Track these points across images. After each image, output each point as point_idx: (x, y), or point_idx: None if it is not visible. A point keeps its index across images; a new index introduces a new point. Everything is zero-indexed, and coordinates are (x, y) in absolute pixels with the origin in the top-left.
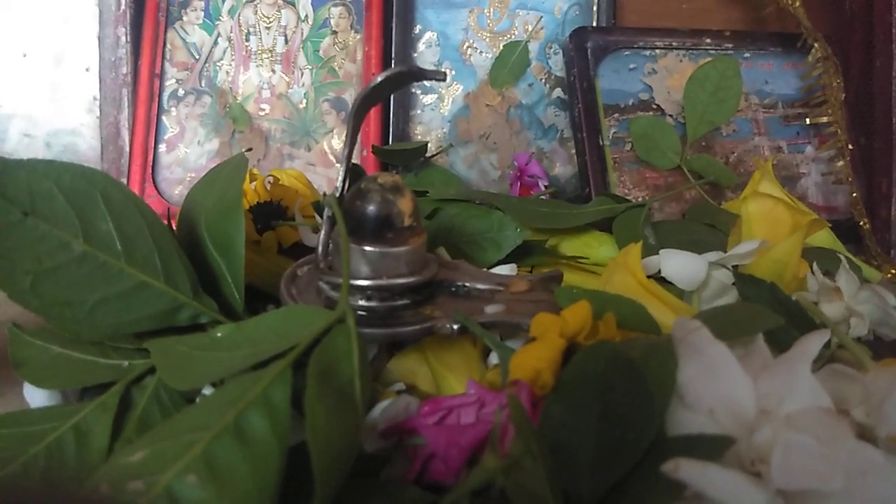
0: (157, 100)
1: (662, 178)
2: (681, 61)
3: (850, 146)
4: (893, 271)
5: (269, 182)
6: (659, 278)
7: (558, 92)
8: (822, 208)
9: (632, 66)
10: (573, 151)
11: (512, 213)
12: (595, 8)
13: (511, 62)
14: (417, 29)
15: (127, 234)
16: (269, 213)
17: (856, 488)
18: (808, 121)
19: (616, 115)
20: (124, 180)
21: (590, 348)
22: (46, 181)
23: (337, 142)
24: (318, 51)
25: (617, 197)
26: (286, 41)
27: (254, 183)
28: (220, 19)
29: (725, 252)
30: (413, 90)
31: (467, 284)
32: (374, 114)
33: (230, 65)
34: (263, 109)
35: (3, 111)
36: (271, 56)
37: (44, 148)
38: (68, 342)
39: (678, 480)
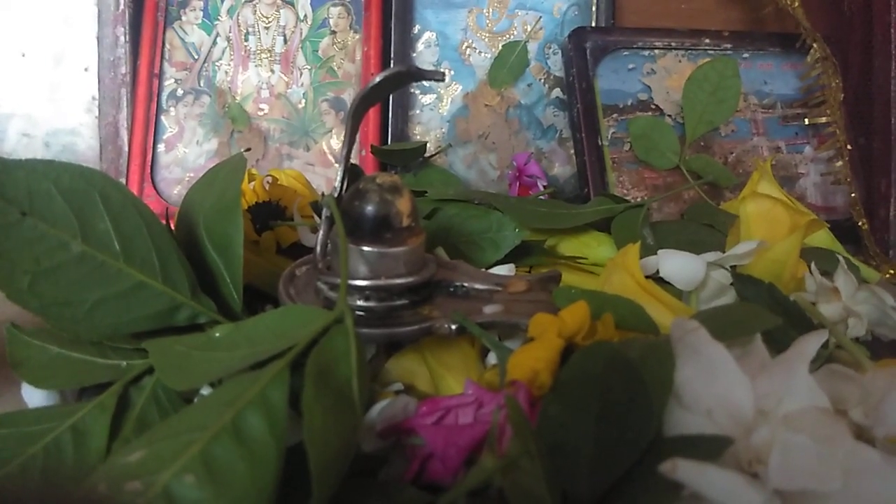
0: (155, 99)
1: (661, 179)
2: (680, 61)
3: (849, 146)
4: (892, 271)
5: (268, 182)
6: (657, 278)
7: (557, 92)
8: (821, 208)
9: (630, 66)
10: (572, 151)
11: (511, 214)
12: (594, 8)
13: (510, 62)
14: (416, 29)
15: (125, 234)
16: (268, 213)
17: (853, 489)
18: (806, 121)
19: (615, 115)
20: (123, 180)
21: (588, 348)
22: (45, 181)
23: (336, 142)
24: (317, 51)
25: (615, 197)
26: (285, 41)
27: (252, 183)
28: (218, 19)
29: (724, 252)
30: (412, 90)
31: (466, 284)
32: (372, 114)
33: (229, 65)
34: (262, 109)
35: (1, 111)
36: (270, 56)
37: (42, 148)
38: (67, 342)
39: (676, 481)
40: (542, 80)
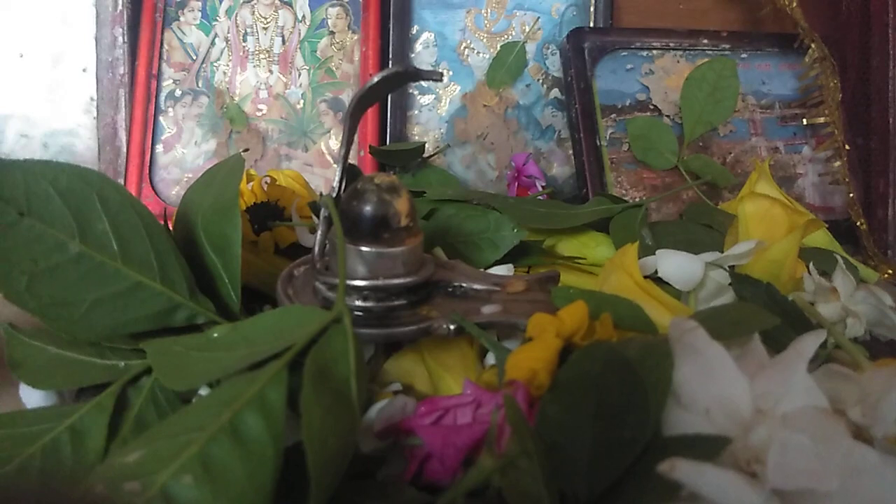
0: (154, 100)
1: (659, 179)
2: (678, 62)
3: (847, 146)
4: (890, 271)
5: (266, 182)
6: (656, 278)
7: (555, 92)
8: (819, 209)
9: (629, 66)
10: (570, 152)
11: (509, 214)
12: (592, 8)
13: (508, 63)
14: (415, 29)
15: (123, 234)
16: (266, 214)
17: (851, 488)
18: (805, 121)
19: (613, 115)
20: (121, 181)
21: (586, 348)
22: (43, 182)
23: (334, 142)
24: (316, 51)
25: (614, 197)
26: (283, 42)
27: (251, 183)
28: (217, 20)
29: (722, 252)
30: (410, 90)
31: (464, 285)
32: (371, 114)
33: (227, 65)
34: (260, 110)
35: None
36: (268, 56)
37: (41, 148)
38: (65, 343)
39: (674, 480)
40: (541, 81)
